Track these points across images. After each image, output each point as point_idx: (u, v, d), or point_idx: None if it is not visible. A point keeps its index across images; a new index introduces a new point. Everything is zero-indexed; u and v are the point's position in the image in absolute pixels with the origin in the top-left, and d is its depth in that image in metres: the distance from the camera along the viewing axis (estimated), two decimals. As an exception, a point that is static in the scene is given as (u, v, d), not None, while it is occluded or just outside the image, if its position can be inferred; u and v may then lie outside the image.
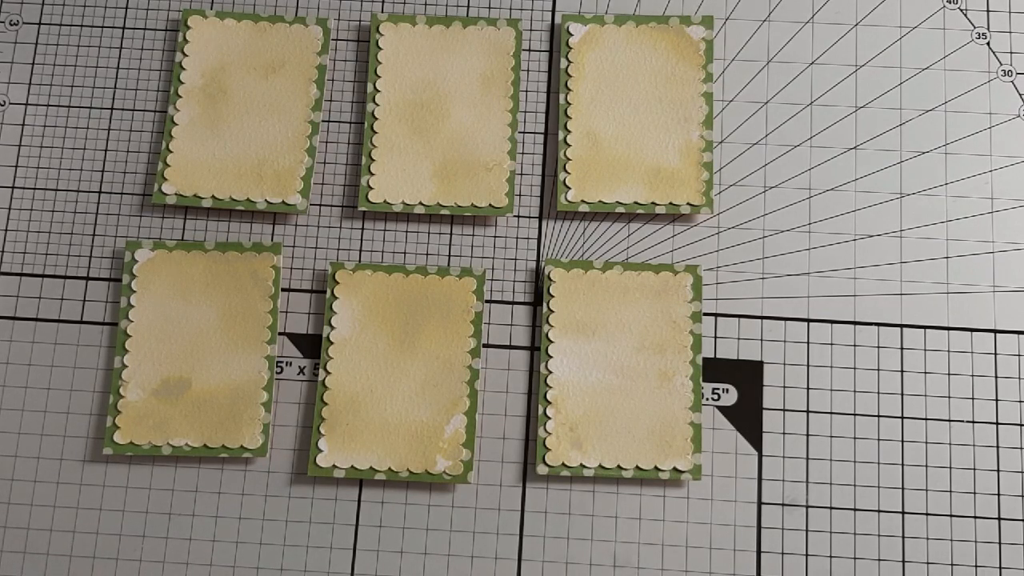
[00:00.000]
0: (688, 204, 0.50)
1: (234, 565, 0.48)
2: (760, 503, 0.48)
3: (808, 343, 0.50)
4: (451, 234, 0.51)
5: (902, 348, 0.49)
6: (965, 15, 0.53)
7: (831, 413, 0.49)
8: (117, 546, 0.48)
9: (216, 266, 0.50)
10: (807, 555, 0.47)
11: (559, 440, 0.48)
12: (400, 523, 0.48)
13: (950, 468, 0.48)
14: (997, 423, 0.48)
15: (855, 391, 0.49)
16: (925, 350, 0.49)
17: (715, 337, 0.50)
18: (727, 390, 0.49)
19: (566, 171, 0.51)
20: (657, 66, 0.52)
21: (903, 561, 0.47)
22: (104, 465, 0.49)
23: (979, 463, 0.48)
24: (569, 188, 0.51)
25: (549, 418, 0.48)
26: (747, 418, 0.49)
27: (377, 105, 0.52)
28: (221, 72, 0.53)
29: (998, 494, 0.48)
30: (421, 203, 0.51)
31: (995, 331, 0.50)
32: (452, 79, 0.52)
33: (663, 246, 0.51)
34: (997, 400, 0.49)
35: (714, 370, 0.49)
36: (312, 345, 0.50)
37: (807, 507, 0.48)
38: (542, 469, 0.48)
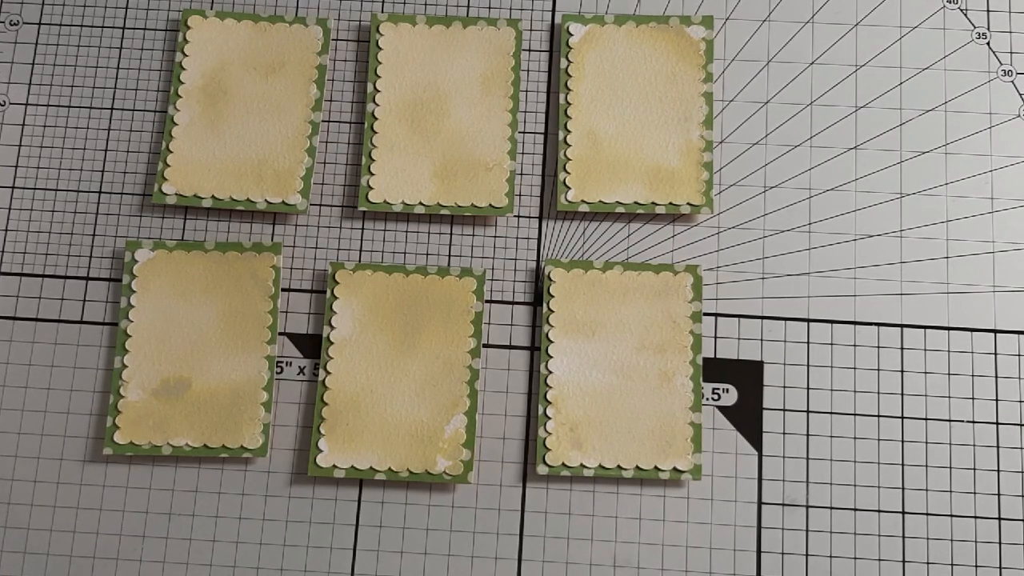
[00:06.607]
0: (688, 204, 0.50)
1: (234, 565, 0.48)
2: (760, 503, 0.48)
3: (808, 343, 0.50)
4: (451, 234, 0.51)
5: (902, 348, 0.49)
6: (965, 15, 0.53)
7: (831, 413, 0.49)
8: (117, 546, 0.48)
9: (216, 266, 0.50)
10: (807, 555, 0.47)
11: (559, 440, 0.48)
12: (400, 523, 0.48)
13: (950, 468, 0.48)
14: (997, 423, 0.48)
15: (855, 391, 0.49)
16: (925, 350, 0.49)
17: (715, 337, 0.50)
18: (727, 390, 0.49)
19: (566, 171, 0.51)
20: (657, 66, 0.52)
21: (903, 561, 0.47)
22: (104, 465, 0.49)
23: (979, 463, 0.48)
24: (569, 188, 0.51)
25: (549, 418, 0.48)
26: (747, 418, 0.49)
27: (377, 105, 0.52)
28: (221, 72, 0.53)
29: (998, 494, 0.48)
30: (421, 203, 0.51)
31: (995, 331, 0.50)
32: (452, 79, 0.52)
33: (663, 246, 0.51)
34: (997, 400, 0.49)
35: (714, 370, 0.49)
36: (312, 345, 0.50)
37: (807, 507, 0.48)
38: (542, 469, 0.48)
